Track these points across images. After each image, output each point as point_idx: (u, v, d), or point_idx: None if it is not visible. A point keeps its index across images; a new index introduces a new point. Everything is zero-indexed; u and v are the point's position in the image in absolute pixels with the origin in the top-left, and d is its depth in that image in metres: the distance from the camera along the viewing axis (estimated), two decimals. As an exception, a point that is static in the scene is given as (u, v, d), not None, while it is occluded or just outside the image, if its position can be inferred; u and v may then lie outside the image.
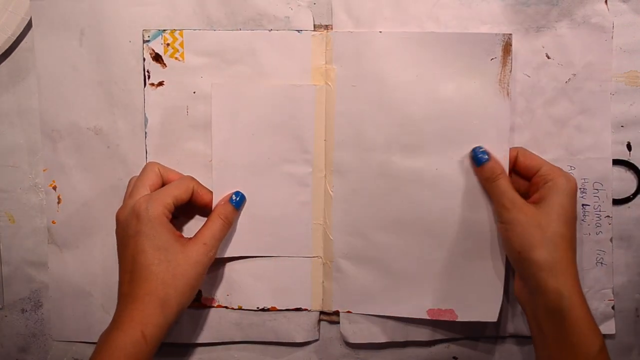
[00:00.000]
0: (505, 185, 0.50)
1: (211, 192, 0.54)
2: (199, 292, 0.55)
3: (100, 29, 0.55)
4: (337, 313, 0.56)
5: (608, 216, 0.55)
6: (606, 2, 0.54)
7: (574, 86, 0.54)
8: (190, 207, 0.53)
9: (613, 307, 0.55)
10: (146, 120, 0.55)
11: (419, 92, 0.53)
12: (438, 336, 0.56)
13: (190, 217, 0.55)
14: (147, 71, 0.54)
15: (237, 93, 0.53)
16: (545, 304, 0.47)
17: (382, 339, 0.55)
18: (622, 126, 0.55)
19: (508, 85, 0.53)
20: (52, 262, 0.57)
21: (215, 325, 0.56)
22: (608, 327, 0.55)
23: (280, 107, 0.54)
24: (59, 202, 0.56)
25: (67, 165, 0.56)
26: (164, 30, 0.54)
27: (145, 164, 0.54)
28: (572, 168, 0.54)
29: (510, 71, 0.53)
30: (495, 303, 0.54)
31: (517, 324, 0.56)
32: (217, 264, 0.55)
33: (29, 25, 0.55)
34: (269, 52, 0.54)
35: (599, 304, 0.55)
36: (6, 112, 0.56)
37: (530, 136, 0.54)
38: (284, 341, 0.56)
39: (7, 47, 0.55)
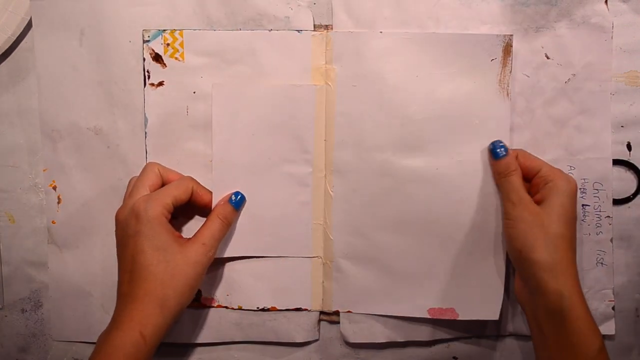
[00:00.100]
0: (516, 182, 0.50)
1: (211, 192, 0.54)
2: (199, 292, 0.55)
3: (100, 29, 0.55)
4: (337, 313, 0.56)
5: (608, 216, 0.55)
6: (606, 2, 0.54)
7: (574, 86, 0.54)
8: (190, 207, 0.53)
9: (613, 308, 0.55)
10: (146, 120, 0.55)
11: (419, 92, 0.53)
12: (438, 336, 0.56)
13: (190, 217, 0.55)
14: (147, 71, 0.54)
15: (238, 93, 0.53)
16: (546, 304, 0.47)
17: (382, 338, 0.55)
18: (622, 126, 0.55)
19: (508, 86, 0.53)
20: (52, 262, 0.57)
21: (215, 325, 0.56)
22: (608, 328, 0.55)
23: (280, 107, 0.54)
24: (59, 202, 0.56)
25: (67, 165, 0.56)
26: (164, 30, 0.54)
27: (145, 164, 0.54)
28: (572, 168, 0.54)
29: (511, 72, 0.53)
30: (496, 301, 0.54)
31: (517, 323, 0.56)
32: (217, 264, 0.55)
33: (29, 25, 0.55)
34: (269, 52, 0.54)
35: (599, 304, 0.55)
36: (6, 112, 0.56)
37: (530, 136, 0.54)
38: (284, 341, 0.56)
39: (7, 47, 0.55)
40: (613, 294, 0.55)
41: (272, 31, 0.54)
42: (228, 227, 0.53)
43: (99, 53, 0.55)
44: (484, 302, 0.54)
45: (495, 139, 0.52)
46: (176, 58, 0.54)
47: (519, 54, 0.54)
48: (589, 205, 0.55)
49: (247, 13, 0.54)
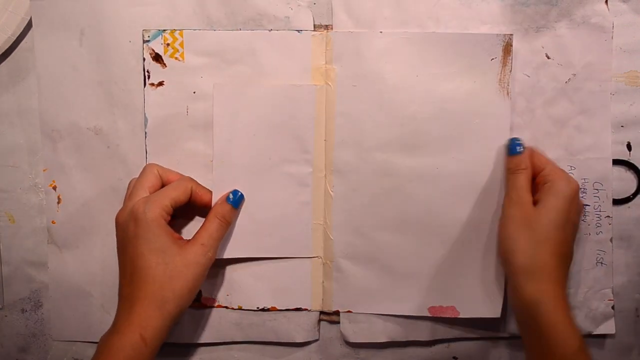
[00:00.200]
0: (521, 180, 0.50)
1: (210, 192, 0.54)
2: (199, 292, 0.55)
3: (100, 29, 0.55)
4: (337, 313, 0.56)
5: (608, 216, 0.55)
6: (606, 2, 0.54)
7: (574, 86, 0.54)
8: (190, 207, 0.53)
9: (613, 307, 0.55)
10: (146, 120, 0.55)
11: (419, 91, 0.53)
12: (438, 336, 0.56)
13: (190, 218, 0.55)
14: (147, 71, 0.54)
15: (239, 93, 0.53)
16: (520, 309, 0.48)
17: (382, 338, 0.55)
18: (622, 126, 0.55)
19: (508, 85, 0.53)
20: (51, 262, 0.57)
21: (215, 325, 0.56)
22: (608, 327, 0.55)
23: (280, 107, 0.53)
24: (58, 202, 0.56)
25: (67, 165, 0.56)
26: (164, 30, 0.54)
27: (145, 164, 0.54)
28: (572, 168, 0.54)
29: (511, 71, 0.53)
30: (497, 299, 0.54)
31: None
32: (217, 265, 0.55)
33: (29, 25, 0.55)
34: (269, 52, 0.54)
35: (599, 304, 0.55)
36: (6, 112, 0.56)
37: (530, 136, 0.54)
38: (284, 341, 0.56)
39: (7, 47, 0.55)
40: (613, 293, 0.55)
41: (272, 31, 0.54)
42: (227, 227, 0.53)
43: (99, 53, 0.55)
44: (484, 299, 0.54)
45: (514, 137, 0.52)
46: (176, 58, 0.54)
47: (519, 53, 0.54)
48: (589, 205, 0.55)
49: (247, 13, 0.54)
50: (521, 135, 0.54)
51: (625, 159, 0.55)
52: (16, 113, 0.56)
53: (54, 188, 0.56)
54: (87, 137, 0.55)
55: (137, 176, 0.52)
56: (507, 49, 0.53)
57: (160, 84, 0.54)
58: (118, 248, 0.50)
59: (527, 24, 0.54)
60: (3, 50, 0.55)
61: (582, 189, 0.54)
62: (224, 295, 0.56)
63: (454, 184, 0.53)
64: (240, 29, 0.54)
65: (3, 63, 0.56)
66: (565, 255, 0.49)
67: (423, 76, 0.53)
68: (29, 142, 0.56)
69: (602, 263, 0.55)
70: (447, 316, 0.54)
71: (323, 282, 0.55)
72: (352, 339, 0.56)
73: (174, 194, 0.50)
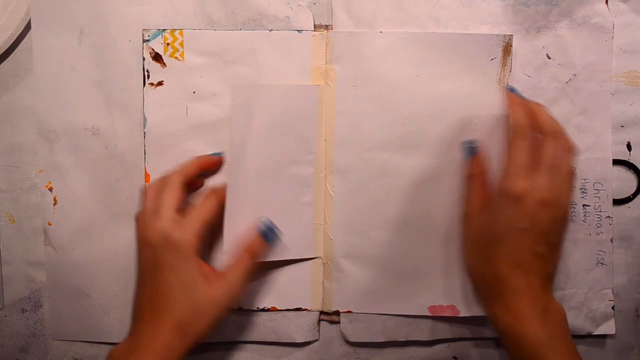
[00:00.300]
0: (471, 189, 0.51)
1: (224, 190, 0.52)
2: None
3: (100, 28, 0.54)
4: (337, 313, 0.56)
5: (609, 217, 0.55)
6: (606, 2, 0.54)
7: (575, 86, 0.54)
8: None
9: (613, 308, 0.55)
10: (145, 120, 0.54)
11: (419, 91, 0.53)
12: (438, 336, 0.56)
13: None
14: (147, 71, 0.54)
15: (254, 94, 0.52)
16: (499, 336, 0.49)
17: (382, 338, 0.55)
18: (622, 126, 0.55)
19: (508, 85, 0.53)
20: (48, 264, 0.56)
21: (215, 325, 0.56)
22: (608, 327, 0.55)
23: (289, 107, 0.53)
24: (55, 204, 0.56)
25: (63, 166, 0.56)
26: (164, 29, 0.54)
27: (143, 165, 0.54)
28: (573, 169, 0.54)
29: (510, 71, 0.53)
30: None
31: (517, 324, 0.56)
32: (218, 265, 0.55)
33: (29, 25, 0.55)
34: (269, 52, 0.53)
35: (599, 305, 0.55)
36: (6, 112, 0.56)
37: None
38: (284, 341, 0.56)
39: (7, 47, 0.55)
40: (613, 293, 0.55)
41: (272, 31, 0.54)
42: (258, 264, 0.51)
43: (98, 52, 0.55)
44: (484, 299, 0.54)
45: (466, 139, 0.52)
46: (176, 58, 0.54)
47: (520, 54, 0.54)
48: (589, 206, 0.55)
49: (248, 13, 0.54)
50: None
51: (625, 159, 0.55)
52: (16, 113, 0.56)
53: (50, 189, 0.56)
54: (84, 138, 0.55)
55: (145, 181, 0.52)
56: (507, 49, 0.53)
57: (160, 83, 0.54)
58: (142, 267, 0.49)
59: (527, 24, 0.54)
60: (3, 50, 0.55)
61: (583, 189, 0.55)
62: (224, 295, 0.56)
63: (454, 184, 0.53)
64: (240, 29, 0.54)
65: (3, 63, 0.56)
66: (528, 263, 0.46)
67: (423, 76, 0.53)
68: (29, 142, 0.56)
69: (602, 263, 0.55)
70: (447, 315, 0.55)
71: (323, 282, 0.55)
72: (353, 339, 0.56)
73: (206, 217, 0.49)
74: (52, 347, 0.57)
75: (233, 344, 0.57)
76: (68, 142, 0.55)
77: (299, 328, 0.56)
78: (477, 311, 0.54)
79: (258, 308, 0.56)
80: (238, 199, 0.52)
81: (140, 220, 0.49)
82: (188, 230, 0.48)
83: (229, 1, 0.54)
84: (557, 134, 0.47)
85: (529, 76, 0.54)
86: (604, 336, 0.56)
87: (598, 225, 0.55)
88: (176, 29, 0.54)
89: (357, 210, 0.54)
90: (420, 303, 0.55)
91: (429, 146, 0.53)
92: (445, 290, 0.54)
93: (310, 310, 0.56)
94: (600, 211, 0.55)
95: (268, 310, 0.55)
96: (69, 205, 0.56)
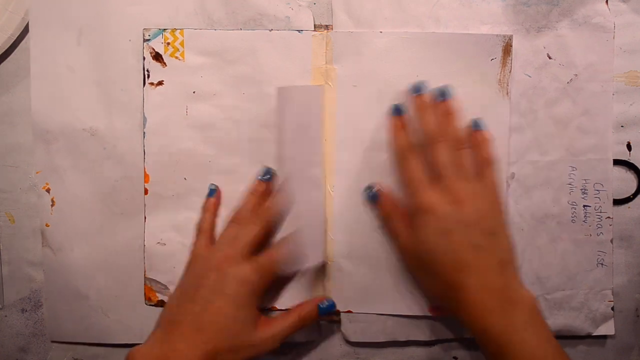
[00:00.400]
0: (390, 227, 0.52)
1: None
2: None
3: (100, 27, 0.54)
4: (337, 313, 0.56)
5: (609, 217, 0.55)
6: (607, 2, 0.54)
7: (576, 87, 0.54)
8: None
9: (613, 308, 0.55)
10: (145, 120, 0.54)
11: (420, 92, 0.53)
12: (438, 336, 0.56)
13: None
14: (147, 70, 0.54)
15: (295, 95, 0.53)
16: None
17: (383, 338, 0.55)
18: (622, 126, 0.55)
19: (507, 85, 0.53)
20: (46, 266, 0.56)
21: (215, 325, 0.56)
22: (608, 328, 0.55)
23: (311, 107, 0.53)
24: (52, 205, 0.56)
25: (61, 167, 0.55)
26: (165, 29, 0.54)
27: (142, 165, 0.54)
28: (574, 169, 0.54)
29: (510, 71, 0.53)
30: None
31: (517, 324, 0.56)
32: None
33: (29, 26, 0.55)
34: (269, 52, 0.53)
35: (599, 305, 0.55)
36: (6, 111, 0.56)
37: (532, 137, 0.54)
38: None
39: (7, 47, 0.55)
40: (612, 294, 0.55)
41: (272, 31, 0.54)
42: (302, 328, 0.52)
43: (97, 52, 0.55)
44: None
45: (369, 183, 0.53)
46: (176, 57, 0.54)
47: (521, 54, 0.54)
48: (589, 206, 0.55)
49: (248, 13, 0.54)
50: (523, 136, 0.54)
51: (625, 159, 0.55)
52: (16, 113, 0.56)
53: (48, 190, 0.56)
54: (82, 138, 0.55)
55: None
56: (507, 49, 0.53)
57: (160, 83, 0.54)
58: (198, 284, 0.49)
59: (528, 24, 0.54)
60: (3, 50, 0.55)
61: (583, 190, 0.55)
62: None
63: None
64: (240, 29, 0.54)
65: (3, 63, 0.56)
66: (472, 260, 0.46)
67: (423, 76, 0.53)
68: (29, 142, 0.56)
69: (602, 264, 0.55)
70: (448, 315, 0.55)
71: (323, 281, 0.55)
72: (353, 339, 0.56)
73: (280, 261, 0.51)
74: (52, 347, 0.57)
75: (233, 344, 0.57)
76: (66, 143, 0.55)
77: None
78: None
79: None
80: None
81: (220, 244, 0.51)
82: (265, 278, 0.50)
83: (230, 1, 0.54)
84: (442, 137, 0.49)
85: (530, 76, 0.54)
86: (603, 337, 0.56)
87: (598, 225, 0.55)
88: (177, 29, 0.54)
89: (357, 210, 0.54)
90: (420, 303, 0.55)
91: (429, 146, 0.53)
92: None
93: (310, 310, 0.56)
94: (601, 212, 0.55)
95: (268, 310, 0.55)
96: (67, 207, 0.56)
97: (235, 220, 0.52)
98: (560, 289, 0.55)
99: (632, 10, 0.55)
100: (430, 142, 0.50)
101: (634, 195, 0.55)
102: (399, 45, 0.53)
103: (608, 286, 0.55)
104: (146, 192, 0.55)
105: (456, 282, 0.46)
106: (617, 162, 0.55)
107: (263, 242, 0.52)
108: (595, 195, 0.55)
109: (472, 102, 0.53)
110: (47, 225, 0.56)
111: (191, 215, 0.55)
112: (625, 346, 0.56)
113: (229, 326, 0.48)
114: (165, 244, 0.55)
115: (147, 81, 0.54)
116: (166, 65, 0.54)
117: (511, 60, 0.53)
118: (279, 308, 0.55)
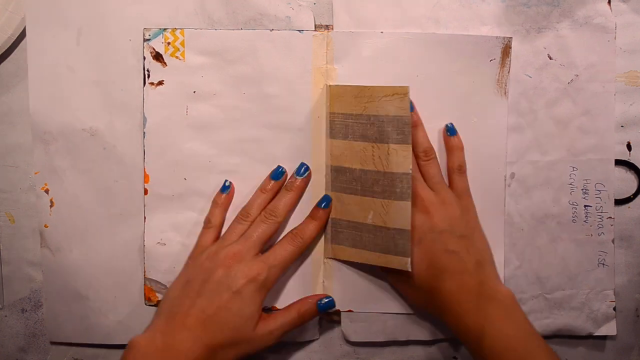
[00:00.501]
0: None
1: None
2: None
3: (99, 27, 0.54)
4: (337, 312, 0.56)
5: (610, 217, 0.55)
6: (609, 2, 0.54)
7: (577, 87, 0.54)
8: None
9: (614, 309, 0.55)
10: (145, 120, 0.54)
11: (419, 91, 0.53)
12: (439, 335, 0.56)
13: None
14: (147, 70, 0.54)
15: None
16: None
17: (382, 337, 0.56)
18: (622, 126, 0.55)
19: (506, 86, 0.53)
20: (45, 266, 0.56)
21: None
22: (609, 328, 0.55)
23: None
24: (51, 206, 0.55)
25: (60, 167, 0.55)
26: (165, 29, 0.54)
27: (142, 165, 0.54)
28: (574, 169, 0.54)
29: (509, 72, 0.53)
30: None
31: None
32: None
33: (25, 25, 0.55)
34: (269, 52, 0.53)
35: (600, 305, 0.55)
36: (6, 112, 0.56)
37: (533, 137, 0.54)
38: (284, 340, 0.56)
39: (7, 47, 0.55)
40: (614, 294, 0.55)
41: (273, 31, 0.53)
42: (301, 325, 0.53)
43: (97, 52, 0.54)
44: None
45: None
46: (177, 57, 0.54)
47: (521, 54, 0.54)
48: (590, 207, 0.55)
49: (249, 13, 0.54)
50: (523, 136, 0.54)
51: (626, 159, 0.55)
52: (16, 113, 0.56)
53: (47, 191, 0.55)
54: (82, 139, 0.55)
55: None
56: (506, 50, 0.53)
57: (160, 83, 0.54)
58: (205, 279, 0.49)
59: (528, 25, 0.54)
60: (3, 50, 0.54)
61: (584, 190, 0.55)
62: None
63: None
64: (241, 29, 0.54)
65: (3, 63, 0.56)
66: (448, 265, 0.49)
67: (423, 76, 0.53)
68: (28, 142, 0.56)
69: (603, 264, 0.55)
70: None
71: (323, 281, 0.55)
72: (353, 338, 0.56)
73: (288, 261, 0.51)
74: (51, 347, 0.57)
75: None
76: (65, 143, 0.55)
77: (299, 327, 0.56)
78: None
79: (258, 308, 0.56)
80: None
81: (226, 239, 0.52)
82: (273, 278, 0.50)
83: (230, 1, 0.54)
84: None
85: (530, 77, 0.54)
86: (604, 337, 0.56)
87: (599, 226, 0.55)
88: (177, 29, 0.54)
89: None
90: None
91: (429, 146, 0.54)
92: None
93: (310, 310, 0.56)
94: (602, 212, 0.55)
95: (269, 309, 0.55)
96: (66, 207, 0.55)
97: (245, 216, 0.53)
98: (561, 288, 0.55)
99: (633, 10, 0.55)
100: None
101: (634, 195, 0.56)
102: (400, 46, 0.53)
103: (609, 286, 0.55)
104: (146, 192, 0.55)
105: (434, 288, 0.49)
106: (617, 162, 0.55)
107: (271, 240, 0.53)
108: (597, 196, 0.55)
109: (470, 102, 0.53)
110: (45, 226, 0.56)
111: (191, 215, 0.55)
112: (626, 346, 0.56)
113: (233, 322, 0.48)
114: (165, 244, 0.55)
115: (147, 81, 0.54)
116: (166, 65, 0.54)
117: (510, 61, 0.53)
118: (279, 308, 0.55)
